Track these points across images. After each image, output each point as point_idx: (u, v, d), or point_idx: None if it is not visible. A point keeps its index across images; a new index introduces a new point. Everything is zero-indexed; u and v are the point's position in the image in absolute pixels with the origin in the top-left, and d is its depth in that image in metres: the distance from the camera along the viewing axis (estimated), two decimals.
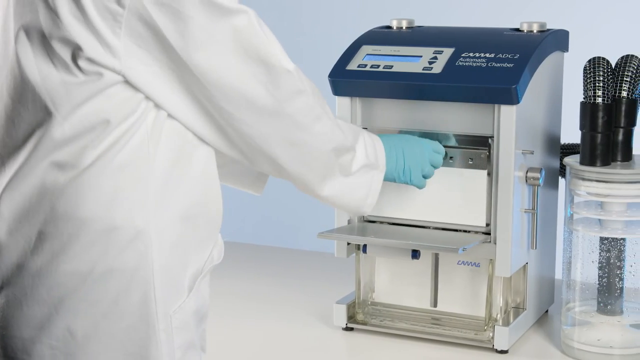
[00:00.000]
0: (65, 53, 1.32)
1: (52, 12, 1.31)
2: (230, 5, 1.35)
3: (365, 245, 1.89)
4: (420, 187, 1.80)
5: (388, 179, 1.72)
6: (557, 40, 1.96)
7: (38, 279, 1.35)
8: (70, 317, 1.35)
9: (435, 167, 1.81)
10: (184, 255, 1.41)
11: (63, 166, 1.34)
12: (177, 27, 1.32)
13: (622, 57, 1.84)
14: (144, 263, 1.35)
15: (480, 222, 1.86)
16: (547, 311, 2.08)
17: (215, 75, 1.36)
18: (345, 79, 1.90)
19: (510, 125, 1.80)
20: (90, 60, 1.31)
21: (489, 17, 3.50)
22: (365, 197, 1.65)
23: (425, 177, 1.80)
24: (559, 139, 2.04)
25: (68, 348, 1.35)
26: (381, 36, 2.00)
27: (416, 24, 2.05)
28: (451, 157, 1.87)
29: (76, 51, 1.31)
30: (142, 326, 1.36)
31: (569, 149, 2.03)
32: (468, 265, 1.93)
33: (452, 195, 1.88)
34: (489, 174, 1.85)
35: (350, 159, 1.60)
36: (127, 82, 1.33)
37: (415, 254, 1.85)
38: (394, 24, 2.04)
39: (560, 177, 2.05)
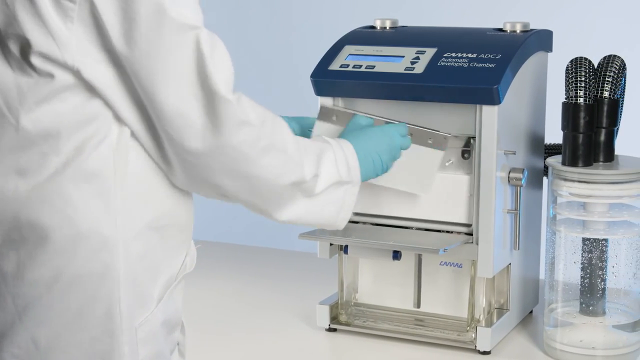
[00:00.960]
0: (18, 49, 1.29)
1: (5, 5, 1.29)
2: (183, 21, 1.29)
3: (346, 246, 1.89)
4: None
5: (369, 179, 1.69)
6: (541, 40, 1.96)
7: (4, 287, 1.33)
8: (34, 326, 1.33)
9: (404, 149, 1.77)
10: (153, 266, 1.39)
11: (24, 173, 1.31)
12: (123, 31, 1.27)
13: (605, 57, 1.84)
14: (110, 274, 1.33)
15: (462, 222, 1.86)
16: (531, 312, 2.08)
17: (154, 91, 1.30)
18: (327, 79, 1.90)
19: (492, 126, 1.80)
20: (43, 56, 1.28)
21: (477, 17, 3.50)
22: (337, 213, 1.58)
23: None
24: (542, 139, 2.04)
25: (31, 357, 1.33)
26: (364, 36, 1.99)
27: (403, 23, 2.05)
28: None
29: (28, 47, 1.28)
30: (105, 338, 1.34)
31: (554, 149, 2.03)
32: (450, 266, 1.93)
33: (434, 196, 1.88)
34: (470, 174, 1.84)
35: (313, 183, 1.51)
36: (81, 85, 1.30)
37: (396, 254, 1.84)
38: (378, 24, 2.03)
39: (544, 177, 2.04)
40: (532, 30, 1.93)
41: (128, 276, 1.35)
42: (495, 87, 1.77)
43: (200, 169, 1.35)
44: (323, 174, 1.53)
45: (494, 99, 1.78)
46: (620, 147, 1.89)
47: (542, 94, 2.01)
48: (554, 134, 2.06)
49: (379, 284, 2.00)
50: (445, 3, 3.73)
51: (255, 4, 4.09)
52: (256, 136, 1.37)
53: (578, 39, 3.41)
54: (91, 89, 1.30)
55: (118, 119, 1.32)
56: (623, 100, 1.91)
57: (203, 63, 1.30)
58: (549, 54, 2.02)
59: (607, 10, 3.53)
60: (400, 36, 1.98)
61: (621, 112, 1.91)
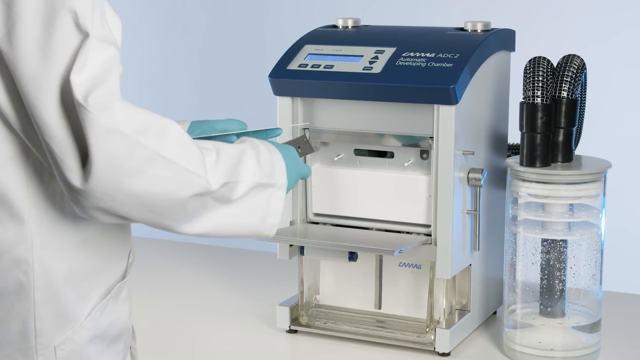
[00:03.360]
0: None
1: None
2: (75, 22, 1.22)
3: (302, 247, 1.87)
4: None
5: (298, 178, 1.56)
6: (502, 39, 1.94)
7: None
8: None
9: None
10: (83, 283, 1.36)
11: None
12: (7, 27, 1.22)
13: (564, 57, 1.82)
14: (24, 293, 1.31)
15: (422, 222, 1.85)
16: (495, 312, 2.06)
17: (26, 94, 1.22)
18: (285, 79, 1.88)
19: (450, 126, 1.78)
20: None
21: (451, 17, 3.48)
22: (263, 219, 1.42)
23: None
24: (505, 138, 2.02)
25: None
26: (325, 35, 1.98)
27: (375, 22, 2.03)
28: (393, 158, 1.86)
29: None
30: (19, 357, 1.32)
31: (519, 149, 2.01)
32: (409, 267, 1.91)
33: (394, 197, 1.87)
34: (430, 175, 1.83)
35: (227, 190, 1.36)
36: None
37: (352, 256, 1.83)
38: (340, 23, 2.02)
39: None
40: (493, 29, 1.92)
41: (47, 295, 1.32)
42: (452, 86, 1.75)
43: (83, 194, 1.23)
44: (242, 179, 1.39)
45: (451, 99, 1.76)
46: (584, 146, 1.88)
47: (504, 94, 2.00)
48: (519, 134, 2.04)
49: (340, 285, 1.98)
50: (413, 2, 3.71)
51: (232, 2, 4.08)
52: (131, 146, 1.22)
53: (544, 39, 3.40)
54: None
55: (26, 136, 1.28)
56: (584, 100, 1.90)
57: (70, 69, 1.21)
58: (512, 53, 2.01)
59: (575, 11, 3.52)
60: (360, 36, 1.97)
61: (583, 111, 1.90)
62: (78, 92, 1.20)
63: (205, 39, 4.15)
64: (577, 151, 1.93)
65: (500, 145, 1.99)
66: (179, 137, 1.29)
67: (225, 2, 4.08)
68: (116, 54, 1.25)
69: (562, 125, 1.80)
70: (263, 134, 1.66)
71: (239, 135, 1.63)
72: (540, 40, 3.38)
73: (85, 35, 1.22)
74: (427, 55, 1.82)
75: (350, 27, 2.02)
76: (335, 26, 2.03)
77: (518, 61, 2.02)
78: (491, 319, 2.04)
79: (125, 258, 1.43)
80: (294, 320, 1.97)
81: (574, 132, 1.82)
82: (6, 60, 1.23)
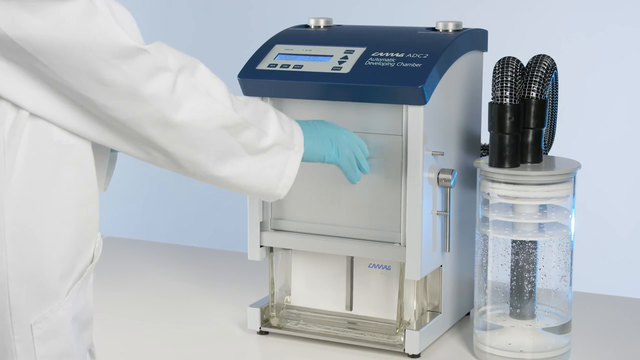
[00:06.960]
0: None
1: None
2: None
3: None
4: (352, 179, 1.71)
5: (315, 158, 1.63)
6: (473, 39, 1.93)
7: None
8: None
9: (361, 168, 1.73)
10: (60, 259, 1.35)
11: None
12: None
13: (534, 57, 1.81)
14: None
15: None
16: (468, 314, 2.05)
17: (57, 55, 1.27)
18: (254, 79, 1.87)
19: (418, 126, 1.77)
20: None
21: (434, 17, 3.47)
22: (279, 178, 1.52)
23: (359, 168, 1.72)
24: (478, 139, 2.01)
25: None
26: (296, 35, 1.97)
27: (361, 22, 2.02)
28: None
29: None
30: None
31: None
32: (379, 268, 1.90)
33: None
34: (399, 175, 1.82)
35: (255, 136, 1.48)
36: None
37: None
38: (312, 23, 2.01)
39: None
40: (464, 29, 1.90)
41: (21, 271, 1.32)
42: (420, 87, 1.74)
43: (130, 123, 1.34)
44: (268, 130, 1.50)
45: (419, 99, 1.75)
46: (568, 145, 1.87)
47: (476, 94, 1.99)
48: None
49: (312, 287, 1.97)
50: (398, 2, 3.70)
51: (218, 1, 4.07)
52: (173, 82, 1.35)
53: (528, 39, 3.39)
54: None
55: (16, 107, 1.29)
56: (556, 101, 1.89)
57: (106, 21, 1.27)
58: (484, 53, 2.00)
59: (558, 10, 3.51)
60: (331, 35, 1.96)
61: (555, 112, 1.89)
62: (130, 39, 1.29)
63: (193, 38, 4.14)
64: (557, 151, 1.93)
65: (472, 145, 1.98)
66: (207, 73, 1.43)
67: (212, 1, 4.08)
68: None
69: (531, 126, 1.78)
70: None
71: None
72: (525, 40, 3.38)
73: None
74: (397, 55, 1.81)
75: (322, 26, 2.00)
76: (307, 26, 2.02)
77: (494, 61, 2.01)
78: (465, 320, 2.03)
79: (95, 238, 1.42)
80: (265, 321, 1.96)
81: (544, 133, 1.81)
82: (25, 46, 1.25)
